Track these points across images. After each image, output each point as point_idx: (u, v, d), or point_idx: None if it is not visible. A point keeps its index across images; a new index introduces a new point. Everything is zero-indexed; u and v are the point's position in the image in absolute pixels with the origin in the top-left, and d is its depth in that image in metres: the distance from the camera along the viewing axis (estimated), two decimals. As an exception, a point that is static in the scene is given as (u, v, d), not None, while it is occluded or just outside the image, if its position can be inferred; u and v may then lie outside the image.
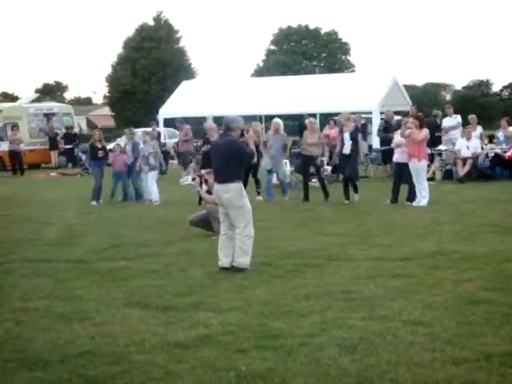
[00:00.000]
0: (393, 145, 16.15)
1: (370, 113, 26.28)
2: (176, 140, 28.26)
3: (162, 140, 28.42)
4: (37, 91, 74.33)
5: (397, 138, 15.81)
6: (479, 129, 21.37)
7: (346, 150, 15.64)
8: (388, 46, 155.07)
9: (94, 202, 17.09)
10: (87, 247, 11.05)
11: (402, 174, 15.31)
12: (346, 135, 15.67)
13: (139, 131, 28.05)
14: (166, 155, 26.14)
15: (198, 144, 23.34)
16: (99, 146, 17.69)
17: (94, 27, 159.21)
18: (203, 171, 12.65)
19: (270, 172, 17.08)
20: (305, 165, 16.97)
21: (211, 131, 17.37)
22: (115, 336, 6.24)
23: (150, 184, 16.96)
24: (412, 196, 15.19)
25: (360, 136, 16.56)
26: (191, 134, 24.50)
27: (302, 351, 5.70)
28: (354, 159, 15.98)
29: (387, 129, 20.90)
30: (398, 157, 15.68)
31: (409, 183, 15.30)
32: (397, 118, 21.75)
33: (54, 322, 6.79)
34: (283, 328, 6.35)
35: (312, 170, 17.28)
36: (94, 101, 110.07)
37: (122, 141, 23.81)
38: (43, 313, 7.13)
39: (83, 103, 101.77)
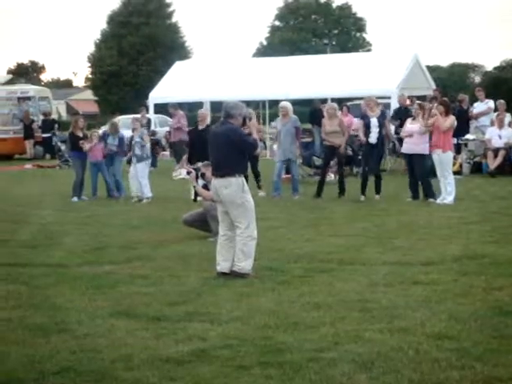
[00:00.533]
0: (402, 134, 16.10)
1: (389, 97, 26.25)
2: (168, 128, 28.28)
3: (153, 128, 28.43)
4: (9, 72, 74.35)
5: (407, 125, 15.79)
6: (508, 117, 21.37)
7: (373, 138, 15.52)
8: (408, 22, 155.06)
9: (75, 199, 17.09)
10: (67, 249, 11.06)
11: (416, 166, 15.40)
12: (374, 121, 15.53)
13: (127, 118, 28.16)
14: (156, 145, 26.15)
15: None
16: (80, 134, 17.65)
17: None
18: (200, 163, 12.65)
19: (282, 163, 17.02)
20: (327, 156, 17.01)
21: (202, 118, 17.31)
22: (99, 350, 6.23)
23: (141, 177, 16.81)
24: (429, 192, 15.20)
25: (387, 122, 16.44)
26: (185, 121, 24.49)
27: (312, 367, 5.69)
28: (381, 150, 15.97)
29: (399, 115, 20.82)
30: (407, 147, 15.67)
31: (421, 177, 15.33)
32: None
33: (29, 334, 6.78)
34: (290, 341, 6.35)
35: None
36: (75, 83, 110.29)
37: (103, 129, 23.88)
38: (17, 324, 7.12)
39: (62, 86, 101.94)
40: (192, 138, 17.12)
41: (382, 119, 15.61)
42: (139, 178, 16.77)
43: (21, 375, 5.73)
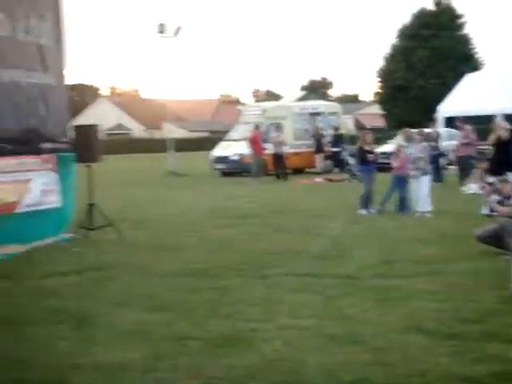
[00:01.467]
0: None
1: None
2: (456, 142, 27.76)
3: (443, 142, 28.06)
4: (302, 89, 77.00)
5: None
6: None
7: None
8: None
9: (363, 211, 17.27)
10: (356, 262, 11.16)
11: None
12: None
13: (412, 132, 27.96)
14: (439, 159, 25.75)
15: (484, 148, 22.68)
16: (368, 148, 17.92)
17: (368, 15, 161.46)
18: (494, 179, 12.28)
19: None
20: None
21: (499, 128, 16.79)
22: (394, 364, 6.22)
23: (423, 190, 16.79)
24: None
25: None
26: (473, 135, 23.96)
27: None
28: None
29: None
30: None
31: None
32: None
33: (324, 343, 6.92)
34: None
35: None
36: (361, 98, 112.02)
37: (393, 143, 23.95)
38: (312, 332, 7.28)
39: (349, 101, 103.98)
40: (495, 149, 16.70)
41: None
42: (421, 191, 16.81)
43: (319, 382, 5.87)
